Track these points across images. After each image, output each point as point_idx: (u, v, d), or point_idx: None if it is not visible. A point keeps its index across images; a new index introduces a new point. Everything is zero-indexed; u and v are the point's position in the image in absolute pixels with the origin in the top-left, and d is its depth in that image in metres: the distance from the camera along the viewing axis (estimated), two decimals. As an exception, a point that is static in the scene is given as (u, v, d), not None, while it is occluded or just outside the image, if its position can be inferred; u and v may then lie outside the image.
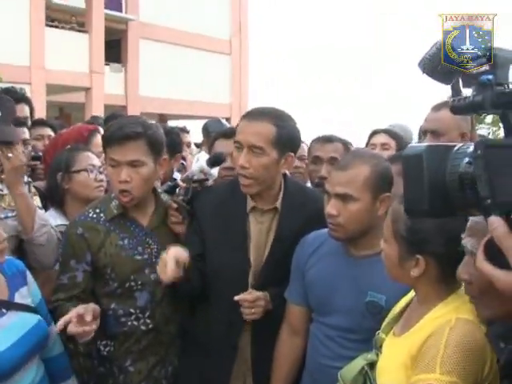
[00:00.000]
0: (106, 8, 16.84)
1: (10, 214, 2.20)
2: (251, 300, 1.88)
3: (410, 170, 0.91)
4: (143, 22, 18.43)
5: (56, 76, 15.03)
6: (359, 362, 1.47)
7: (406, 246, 1.36)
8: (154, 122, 2.13)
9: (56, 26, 16.19)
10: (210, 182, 2.25)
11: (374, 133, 3.37)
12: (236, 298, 1.87)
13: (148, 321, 2.02)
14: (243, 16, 22.13)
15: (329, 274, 1.81)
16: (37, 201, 2.40)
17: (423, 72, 1.01)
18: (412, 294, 1.50)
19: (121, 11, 18.39)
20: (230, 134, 2.49)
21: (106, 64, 17.33)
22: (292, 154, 1.95)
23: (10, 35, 13.69)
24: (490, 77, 0.88)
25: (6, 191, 2.24)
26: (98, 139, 2.98)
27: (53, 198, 2.51)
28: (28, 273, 1.88)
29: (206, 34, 19.92)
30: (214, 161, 2.17)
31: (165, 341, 2.07)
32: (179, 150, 3.04)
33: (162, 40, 18.68)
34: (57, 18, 16.66)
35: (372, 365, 1.46)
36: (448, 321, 1.26)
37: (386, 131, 3.35)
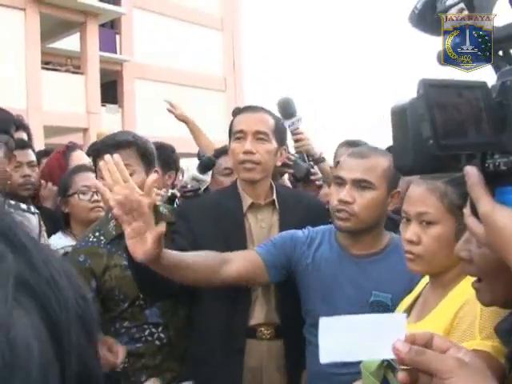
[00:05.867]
0: (100, 50, 17.07)
1: None
2: None
3: (396, 124, 0.84)
4: (138, 62, 18.69)
5: (53, 118, 15.12)
6: None
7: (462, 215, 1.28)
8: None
9: (52, 69, 16.37)
10: (203, 189, 2.20)
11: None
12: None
13: (162, 335, 1.97)
14: (237, 53, 22.47)
15: (329, 276, 1.70)
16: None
17: (412, 25, 0.96)
18: (419, 288, 1.43)
19: (115, 52, 18.66)
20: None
21: (103, 105, 17.47)
22: (285, 147, 2.00)
23: (6, 79, 13.84)
24: None
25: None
26: (77, 153, 2.96)
27: (58, 221, 2.50)
28: None
29: (201, 72, 20.18)
30: (204, 166, 2.14)
31: (179, 356, 2.01)
32: (173, 167, 2.99)
33: (157, 79, 18.89)
34: (52, 61, 16.88)
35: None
36: None
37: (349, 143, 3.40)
